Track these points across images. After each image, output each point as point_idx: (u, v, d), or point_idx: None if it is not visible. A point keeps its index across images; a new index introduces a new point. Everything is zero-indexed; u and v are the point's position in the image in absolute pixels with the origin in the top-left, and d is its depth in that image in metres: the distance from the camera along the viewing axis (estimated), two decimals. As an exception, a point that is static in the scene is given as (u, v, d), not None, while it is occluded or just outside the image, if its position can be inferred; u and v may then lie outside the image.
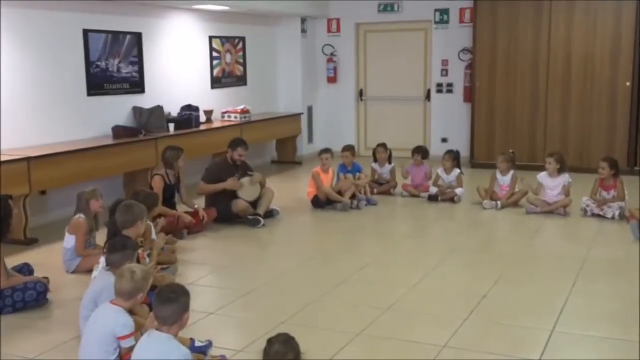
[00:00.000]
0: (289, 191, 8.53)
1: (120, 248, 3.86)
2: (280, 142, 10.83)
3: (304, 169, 10.33)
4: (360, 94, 11.38)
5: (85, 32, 7.34)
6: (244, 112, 9.36)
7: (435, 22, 10.62)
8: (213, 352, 3.77)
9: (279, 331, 3.42)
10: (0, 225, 4.43)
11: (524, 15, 9.56)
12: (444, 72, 10.69)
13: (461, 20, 10.43)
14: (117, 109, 7.86)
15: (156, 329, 3.06)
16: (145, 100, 8.18)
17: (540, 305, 4.57)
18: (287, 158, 10.83)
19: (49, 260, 5.61)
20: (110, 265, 3.87)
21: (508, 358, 3.73)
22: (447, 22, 10.54)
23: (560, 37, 9.42)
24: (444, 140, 10.65)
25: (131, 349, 3.37)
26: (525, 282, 5.07)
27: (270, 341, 2.70)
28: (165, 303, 3.00)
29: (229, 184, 6.89)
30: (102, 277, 3.89)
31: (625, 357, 3.76)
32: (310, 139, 11.40)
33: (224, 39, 9.75)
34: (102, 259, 4.54)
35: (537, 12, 9.48)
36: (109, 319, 3.37)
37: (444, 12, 10.54)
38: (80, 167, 6.76)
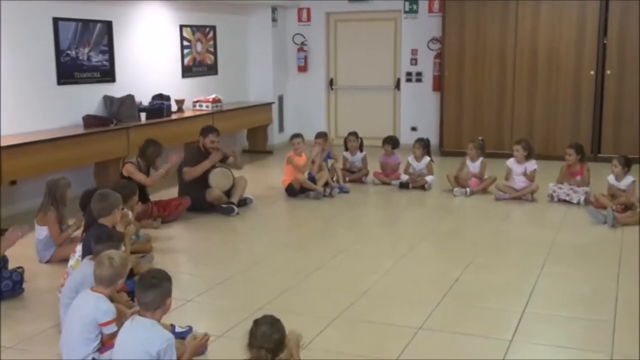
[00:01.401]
0: (261, 180, 8.56)
1: (106, 239, 3.87)
2: (252, 131, 10.84)
3: (275, 158, 10.39)
4: (331, 83, 11.44)
5: (56, 21, 7.27)
6: (216, 101, 9.36)
7: (405, 12, 10.72)
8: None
9: (257, 317, 3.52)
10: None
11: (491, 6, 9.71)
12: (414, 62, 10.81)
13: (430, 10, 10.54)
14: (88, 98, 7.80)
15: (139, 315, 3.09)
16: (116, 90, 8.12)
17: (510, 288, 4.70)
18: (258, 147, 10.85)
19: (22, 250, 5.54)
20: (95, 255, 3.88)
21: (482, 338, 3.85)
22: (416, 12, 10.65)
23: (527, 28, 9.60)
24: (414, 128, 10.76)
25: (113, 335, 3.40)
26: (496, 266, 5.21)
27: (256, 322, 2.77)
28: (148, 289, 3.04)
29: (212, 157, 6.89)
30: (84, 266, 3.90)
31: (593, 335, 3.90)
32: (281, 128, 11.43)
33: (195, 28, 9.72)
34: (79, 248, 4.57)
35: (505, 4, 9.63)
36: (90, 306, 3.40)
37: (414, 2, 10.64)
38: (51, 157, 6.70)
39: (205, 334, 3.39)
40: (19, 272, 4.64)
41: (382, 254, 5.63)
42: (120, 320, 3.47)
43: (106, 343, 3.41)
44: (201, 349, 3.35)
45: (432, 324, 4.06)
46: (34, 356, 3.76)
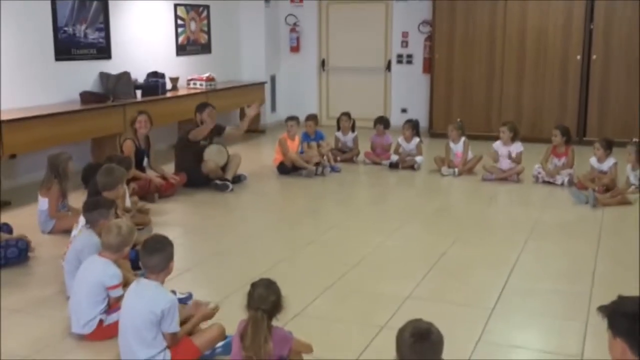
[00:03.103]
0: (254, 158, 8.74)
1: (93, 207, 4.06)
2: (244, 110, 10.96)
3: (267, 138, 10.56)
4: (323, 64, 11.59)
5: (53, -2, 7.39)
6: (210, 79, 9.50)
7: (397, -5, 10.88)
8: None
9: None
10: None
11: (482, -11, 9.89)
12: (404, 44, 10.98)
13: (421, -6, 10.70)
14: (84, 74, 7.94)
15: (145, 277, 3.29)
16: (112, 67, 8.25)
17: (494, 261, 4.93)
18: (251, 126, 10.91)
19: (23, 222, 5.72)
20: (90, 224, 4.07)
21: (466, 307, 4.08)
22: (407, -6, 10.81)
23: (515, 11, 9.78)
24: (404, 110, 10.95)
25: (119, 298, 3.60)
26: (481, 242, 5.44)
27: (253, 285, 2.96)
28: (152, 253, 3.23)
29: (207, 124, 7.08)
30: (83, 234, 4.09)
31: (570, 305, 4.14)
32: (273, 107, 11.59)
33: (189, 7, 9.83)
34: (81, 218, 4.74)
35: (495, -13, 9.82)
36: (98, 271, 3.59)
37: (405, -15, 10.79)
38: (49, 132, 6.84)
39: (217, 305, 3.56)
40: (25, 240, 4.80)
41: (372, 230, 5.83)
42: (125, 285, 3.67)
43: (112, 305, 3.62)
44: (209, 318, 3.53)
45: (419, 294, 4.29)
46: (42, 319, 3.95)
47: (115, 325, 3.57)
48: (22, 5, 7.04)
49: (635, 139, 6.91)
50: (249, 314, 2.89)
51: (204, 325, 3.47)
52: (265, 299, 2.88)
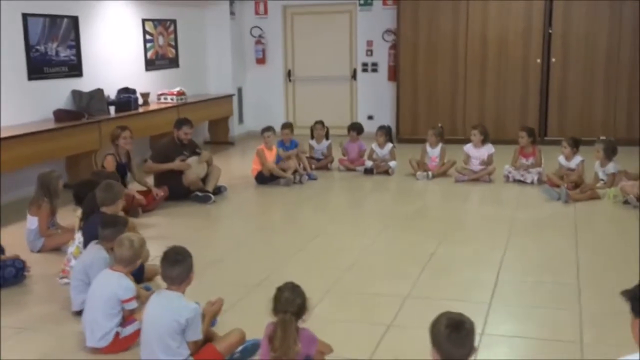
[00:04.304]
0: (227, 170, 8.76)
1: (112, 224, 4.10)
2: (213, 123, 11.05)
3: (237, 149, 10.66)
4: (289, 74, 11.73)
5: (25, 16, 7.35)
6: (180, 94, 9.56)
7: (360, 5, 11.10)
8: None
9: (255, 294, 3.81)
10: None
11: (443, -2, 10.20)
12: (369, 53, 11.21)
13: (384, 3, 10.93)
14: (56, 93, 7.90)
15: (166, 289, 3.37)
16: (84, 84, 8.24)
17: (482, 259, 5.14)
18: (219, 139, 11.07)
19: (7, 241, 5.69)
20: (103, 240, 4.11)
21: (465, 302, 4.25)
22: (371, 4, 11.03)
23: (477, 17, 10.11)
24: (370, 117, 11.14)
25: (133, 311, 3.68)
26: (466, 241, 5.65)
27: (279, 289, 3.07)
28: (174, 264, 3.31)
29: (177, 164, 7.13)
30: (92, 250, 4.12)
31: (562, 296, 4.35)
32: (240, 119, 11.68)
33: (156, 22, 9.87)
34: (78, 235, 4.78)
35: (456, -5, 10.13)
36: (112, 284, 3.65)
37: (367, -6, 11.03)
38: (24, 151, 6.76)
39: (219, 298, 3.67)
40: (21, 260, 4.80)
41: (358, 234, 5.99)
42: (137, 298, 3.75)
43: (127, 318, 3.68)
44: (218, 312, 3.62)
45: (417, 293, 4.45)
46: (50, 335, 3.97)
47: (130, 337, 3.67)
48: (-6, 25, 7.00)
49: (602, 137, 7.23)
50: (278, 317, 3.00)
51: (219, 331, 3.57)
52: (292, 302, 3.00)
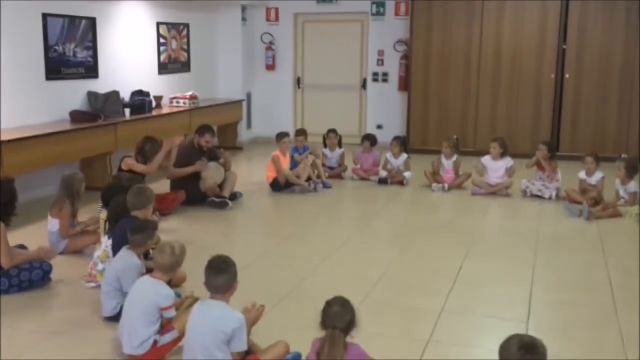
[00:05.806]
0: (239, 176, 8.71)
1: (142, 229, 4.04)
2: (222, 128, 10.97)
3: (245, 155, 10.60)
4: (298, 81, 11.69)
5: (45, 16, 7.27)
6: (193, 98, 9.49)
7: (372, 14, 11.08)
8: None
9: (286, 304, 3.81)
10: (6, 207, 4.48)
11: (457, 10, 10.18)
12: (380, 62, 11.19)
13: (397, 13, 10.94)
14: (72, 94, 7.83)
15: (210, 298, 3.30)
16: (99, 85, 8.17)
17: (511, 275, 5.09)
18: (228, 144, 10.98)
19: (28, 243, 5.61)
20: (133, 245, 4.04)
21: (500, 319, 4.21)
22: (383, 14, 11.02)
23: (490, 31, 10.11)
24: (379, 127, 11.12)
25: (172, 319, 3.60)
26: (492, 256, 5.59)
27: (329, 303, 3.01)
28: (218, 273, 3.24)
29: (197, 166, 7.06)
30: (124, 256, 4.05)
31: (600, 317, 4.30)
32: (248, 125, 11.63)
33: (170, 26, 9.81)
34: (104, 239, 4.71)
35: (470, 7, 10.12)
36: (151, 291, 3.58)
37: (380, 4, 11.02)
38: (40, 152, 6.70)
39: (257, 304, 3.61)
40: (48, 262, 4.72)
41: (384, 245, 5.95)
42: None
43: (165, 326, 3.61)
44: (258, 319, 3.56)
45: (451, 307, 4.39)
46: (83, 340, 3.88)
47: (168, 345, 3.60)
48: (13, 23, 6.90)
49: (624, 155, 7.22)
50: (326, 332, 2.94)
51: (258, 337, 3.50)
52: (341, 317, 2.94)
